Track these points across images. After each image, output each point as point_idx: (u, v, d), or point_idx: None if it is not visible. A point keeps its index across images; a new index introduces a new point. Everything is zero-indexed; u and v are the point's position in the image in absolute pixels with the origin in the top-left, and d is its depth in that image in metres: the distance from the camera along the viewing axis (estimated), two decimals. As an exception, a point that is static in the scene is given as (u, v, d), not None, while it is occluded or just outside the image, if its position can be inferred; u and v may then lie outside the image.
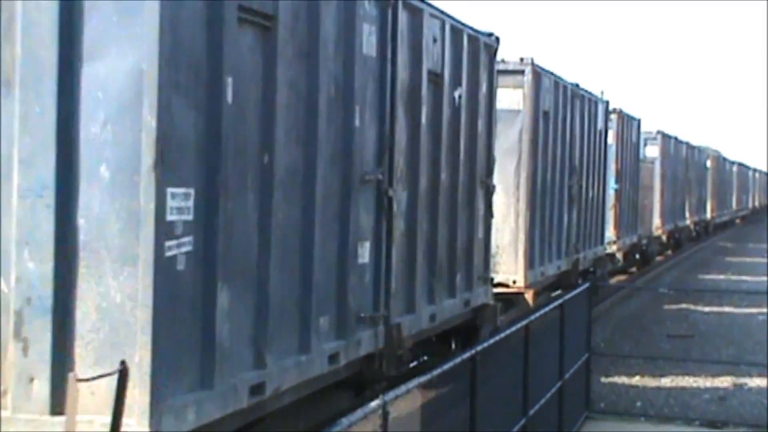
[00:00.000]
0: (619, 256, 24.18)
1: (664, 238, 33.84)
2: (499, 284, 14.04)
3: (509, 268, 14.64)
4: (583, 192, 18.40)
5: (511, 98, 14.61)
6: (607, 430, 12.65)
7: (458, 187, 10.31)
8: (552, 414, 11.16)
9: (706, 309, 23.11)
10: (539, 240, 15.32)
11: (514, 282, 14.64)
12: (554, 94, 15.99)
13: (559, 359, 11.66)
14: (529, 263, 14.80)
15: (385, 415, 5.90)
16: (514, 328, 9.54)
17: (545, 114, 15.55)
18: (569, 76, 20.81)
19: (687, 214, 39.65)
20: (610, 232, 22.87)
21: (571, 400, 12.14)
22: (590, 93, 18.79)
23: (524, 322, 9.80)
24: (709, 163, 47.00)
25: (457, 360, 7.64)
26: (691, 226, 41.40)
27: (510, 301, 14.51)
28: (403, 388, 6.43)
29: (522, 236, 14.63)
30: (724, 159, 55.87)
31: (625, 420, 13.11)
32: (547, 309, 11.24)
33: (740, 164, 65.20)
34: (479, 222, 11.12)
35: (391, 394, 6.12)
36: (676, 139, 36.34)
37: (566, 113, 16.83)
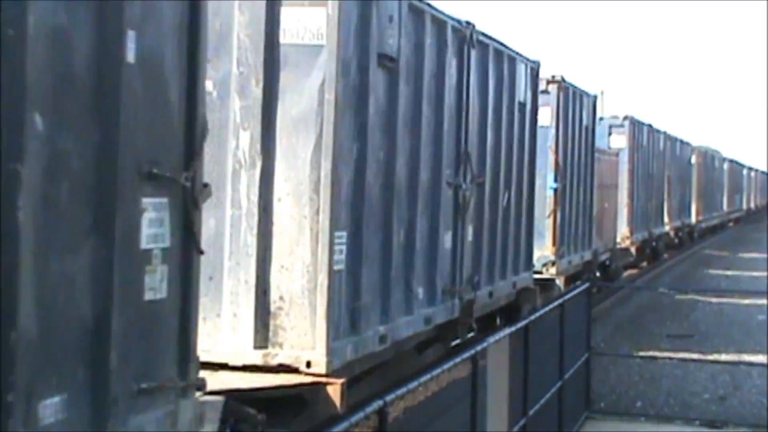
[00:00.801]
0: (560, 281, 16.62)
1: (633, 250, 26.52)
2: (284, 368, 7.17)
3: (301, 338, 7.29)
4: (488, 195, 11.25)
5: (303, 24, 7.62)
6: (607, 430, 12.65)
7: (38, 189, 3.62)
8: (552, 414, 11.17)
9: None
10: (377, 281, 8.20)
11: (309, 365, 7.15)
12: (415, 31, 9.00)
13: (559, 359, 11.66)
14: (345, 326, 7.59)
15: (384, 416, 5.90)
16: (513, 328, 9.53)
17: (387, 60, 8.33)
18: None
19: (666, 219, 32.83)
20: (546, 250, 16.27)
21: (571, 400, 12.14)
22: (504, 45, 11.75)
23: (524, 322, 9.79)
24: (693, 159, 40.27)
25: (458, 359, 7.64)
26: (672, 233, 34.38)
27: (302, 399, 7.35)
28: (403, 388, 6.43)
29: (323, 279, 7.28)
30: (713, 154, 48.84)
31: (625, 420, 13.11)
32: (547, 309, 11.24)
33: (732, 161, 58.56)
34: (154, 266, 4.56)
35: (391, 395, 6.12)
36: (650, 127, 29.12)
37: (445, 68, 9.66)
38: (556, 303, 11.82)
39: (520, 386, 9.70)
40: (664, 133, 32.22)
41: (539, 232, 15.30)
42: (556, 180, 16.51)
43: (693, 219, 40.28)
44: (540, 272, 15.49)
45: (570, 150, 17.26)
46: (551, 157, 16.37)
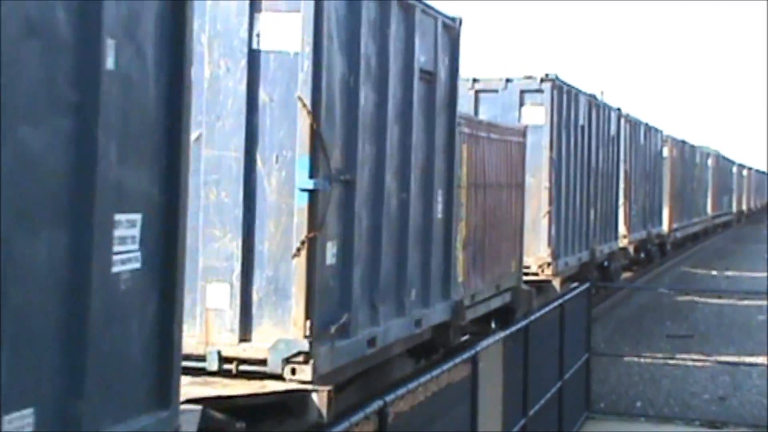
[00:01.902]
0: (322, 399, 6.91)
1: (557, 282, 16.39)
2: None
3: None
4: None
5: None
6: (607, 430, 12.65)
7: None
8: (552, 414, 11.16)
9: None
10: None
11: None
12: None
13: (559, 359, 11.66)
14: None
15: (384, 416, 5.89)
16: (514, 328, 9.53)
17: None
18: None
19: (622, 231, 23.47)
20: (291, 330, 7.13)
21: (571, 400, 12.14)
22: None
23: (524, 322, 9.79)
24: (666, 151, 31.22)
25: (458, 360, 7.63)
26: (631, 249, 24.93)
27: None
28: (403, 388, 6.42)
29: None
30: (692, 147, 39.12)
31: (625, 420, 13.11)
32: (547, 309, 11.23)
33: (719, 156, 49.41)
34: None
35: (391, 395, 6.11)
36: (592, 98, 19.45)
37: None
38: (556, 303, 11.82)
39: (519, 387, 9.69)
40: (618, 110, 22.49)
41: (282, 289, 7.21)
42: (313, 174, 7.22)
43: (665, 227, 30.96)
44: (286, 378, 7.01)
45: (372, 114, 8.24)
46: (302, 124, 7.25)
